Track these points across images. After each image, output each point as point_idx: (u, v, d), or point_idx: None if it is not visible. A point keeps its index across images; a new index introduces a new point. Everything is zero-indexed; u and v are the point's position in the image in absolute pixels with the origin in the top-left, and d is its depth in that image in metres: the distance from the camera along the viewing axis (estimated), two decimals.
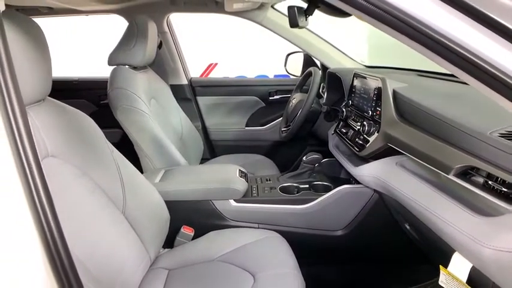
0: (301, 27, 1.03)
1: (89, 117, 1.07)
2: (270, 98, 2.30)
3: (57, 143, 0.89)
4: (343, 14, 0.75)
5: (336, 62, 1.99)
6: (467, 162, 0.78)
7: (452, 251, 0.83)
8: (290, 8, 1.01)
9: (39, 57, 0.83)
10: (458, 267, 0.81)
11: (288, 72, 2.23)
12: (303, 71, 2.09)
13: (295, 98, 1.88)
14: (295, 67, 2.18)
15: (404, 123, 1.06)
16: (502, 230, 0.68)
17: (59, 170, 0.88)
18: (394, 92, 1.15)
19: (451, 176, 0.82)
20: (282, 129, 1.93)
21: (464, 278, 0.79)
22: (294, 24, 1.02)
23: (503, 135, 0.74)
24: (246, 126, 2.34)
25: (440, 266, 0.87)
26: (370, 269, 1.47)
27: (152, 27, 1.73)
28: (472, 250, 0.73)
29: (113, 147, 1.12)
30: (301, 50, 2.09)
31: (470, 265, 0.77)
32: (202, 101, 2.30)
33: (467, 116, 0.86)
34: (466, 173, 0.81)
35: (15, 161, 0.56)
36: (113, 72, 1.65)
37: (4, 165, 0.56)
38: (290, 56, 2.19)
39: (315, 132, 1.96)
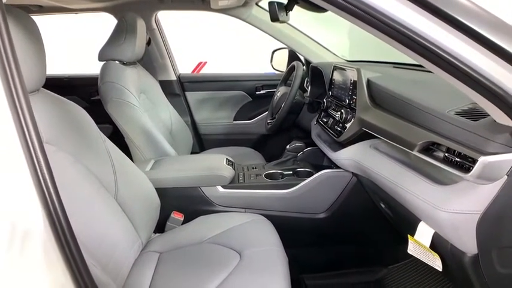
0: (282, 22, 1.07)
1: (82, 108, 1.11)
2: (257, 92, 2.37)
3: (52, 131, 0.93)
4: (321, 9, 0.81)
5: (319, 57, 2.06)
6: (428, 138, 0.86)
7: (419, 221, 0.92)
8: (271, 4, 1.06)
9: (35, 49, 0.89)
10: (423, 234, 0.89)
11: (273, 68, 2.30)
12: (287, 66, 2.17)
13: (280, 91, 1.95)
14: (281, 63, 2.25)
15: (376, 108, 1.14)
16: (455, 195, 0.77)
17: (53, 156, 0.92)
18: (368, 81, 1.24)
19: (415, 152, 0.90)
20: (268, 121, 1.99)
21: (427, 243, 0.87)
22: (274, 18, 1.06)
23: (458, 113, 0.83)
24: (234, 120, 2.40)
25: (408, 235, 0.96)
26: (352, 250, 1.54)
27: (141, 24, 1.78)
28: (431, 216, 0.81)
29: (105, 137, 1.16)
30: (286, 46, 2.16)
31: (432, 231, 0.86)
32: (191, 96, 2.35)
33: (429, 98, 0.95)
34: (429, 149, 0.89)
35: (21, 143, 0.61)
36: (103, 67, 1.70)
37: (11, 147, 0.60)
38: (276, 52, 2.25)
39: (299, 123, 2.04)
